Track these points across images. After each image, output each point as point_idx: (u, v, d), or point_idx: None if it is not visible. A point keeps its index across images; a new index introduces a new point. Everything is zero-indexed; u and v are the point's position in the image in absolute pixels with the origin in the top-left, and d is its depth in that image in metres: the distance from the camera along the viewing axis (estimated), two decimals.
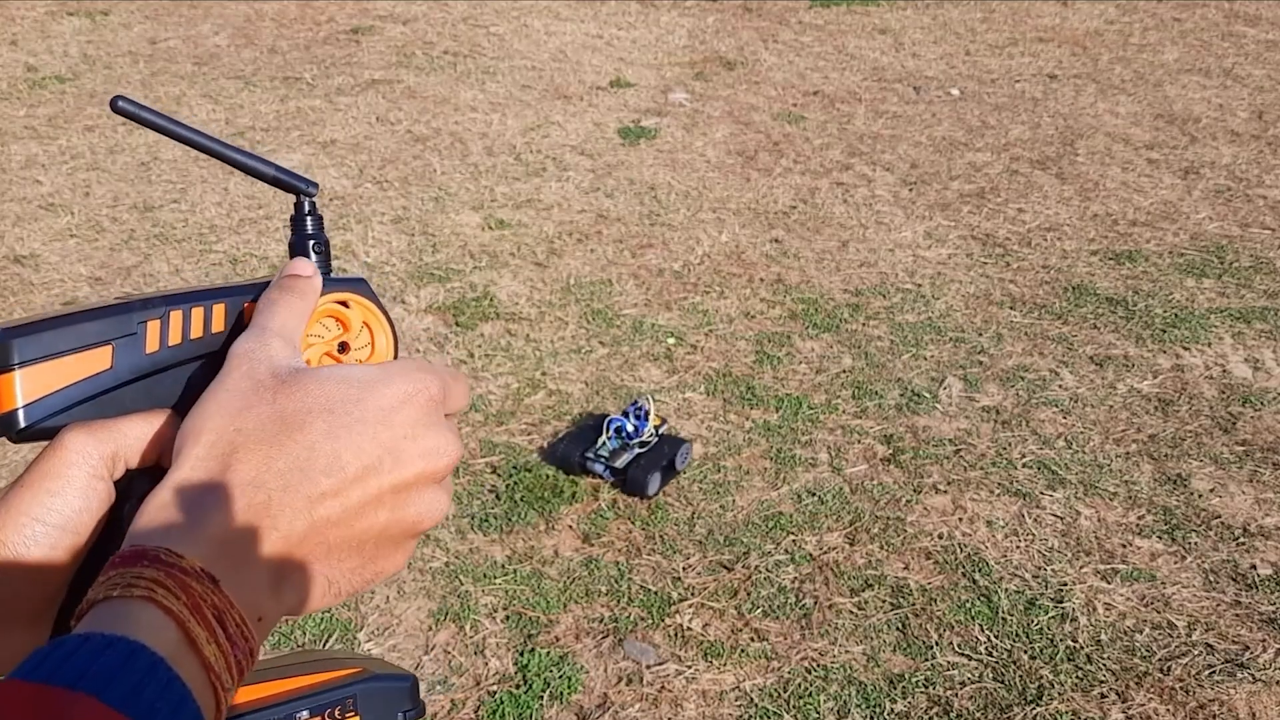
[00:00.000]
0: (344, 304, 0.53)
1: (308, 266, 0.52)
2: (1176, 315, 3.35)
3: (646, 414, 2.63)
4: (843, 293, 3.52)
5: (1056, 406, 2.91)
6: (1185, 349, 3.17)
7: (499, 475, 2.64)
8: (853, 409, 2.90)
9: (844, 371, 3.07)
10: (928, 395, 2.95)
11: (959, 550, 2.40)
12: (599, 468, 2.57)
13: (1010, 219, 4.04)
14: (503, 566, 2.37)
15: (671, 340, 3.23)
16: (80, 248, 3.82)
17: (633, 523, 2.50)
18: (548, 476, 2.62)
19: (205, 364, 0.50)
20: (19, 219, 4.01)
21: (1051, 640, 2.16)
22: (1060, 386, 3.00)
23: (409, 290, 3.52)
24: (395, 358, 0.54)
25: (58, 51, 5.93)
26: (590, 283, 3.57)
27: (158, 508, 0.41)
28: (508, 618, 2.24)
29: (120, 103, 0.49)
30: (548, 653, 2.15)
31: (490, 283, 3.57)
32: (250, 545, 0.41)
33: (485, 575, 2.35)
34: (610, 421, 2.62)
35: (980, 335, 3.25)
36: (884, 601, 2.26)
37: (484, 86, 5.45)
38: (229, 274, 3.63)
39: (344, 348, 0.53)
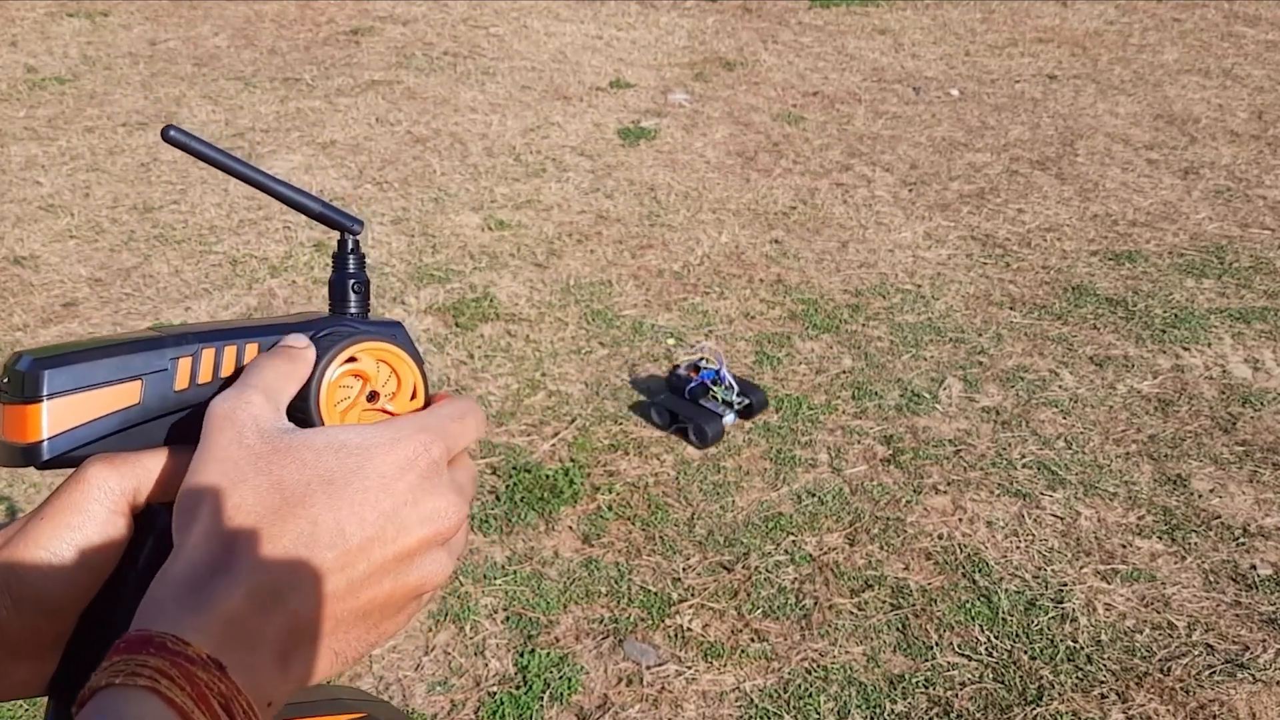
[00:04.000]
0: (353, 359, 0.51)
1: (301, 340, 0.51)
2: (1176, 315, 3.35)
3: (714, 368, 2.82)
4: (842, 293, 3.52)
5: (1056, 407, 2.91)
6: (1185, 349, 3.17)
7: (499, 476, 2.64)
8: (852, 409, 2.90)
9: (844, 372, 3.07)
10: (928, 395, 2.95)
11: (959, 551, 2.40)
12: (730, 418, 2.76)
13: (1010, 219, 4.04)
14: (502, 567, 2.37)
15: (671, 341, 3.23)
16: (80, 249, 3.82)
17: (632, 523, 2.50)
18: (547, 477, 2.62)
19: None
20: (19, 220, 4.01)
21: (1051, 640, 2.16)
22: (1060, 387, 3.00)
23: (409, 291, 3.52)
24: (426, 388, 0.53)
25: (57, 53, 5.93)
26: (590, 283, 3.57)
27: (165, 588, 0.41)
28: (508, 618, 2.24)
29: (171, 132, 0.49)
30: (548, 653, 2.15)
31: (490, 283, 3.57)
32: (257, 627, 0.41)
33: (485, 576, 2.35)
34: (703, 376, 2.77)
35: (980, 335, 3.25)
36: (884, 602, 2.26)
37: (484, 87, 5.45)
38: (229, 275, 3.63)
39: (373, 396, 0.52)
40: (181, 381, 0.48)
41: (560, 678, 2.09)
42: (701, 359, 2.83)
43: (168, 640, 0.38)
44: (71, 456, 0.46)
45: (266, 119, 5.00)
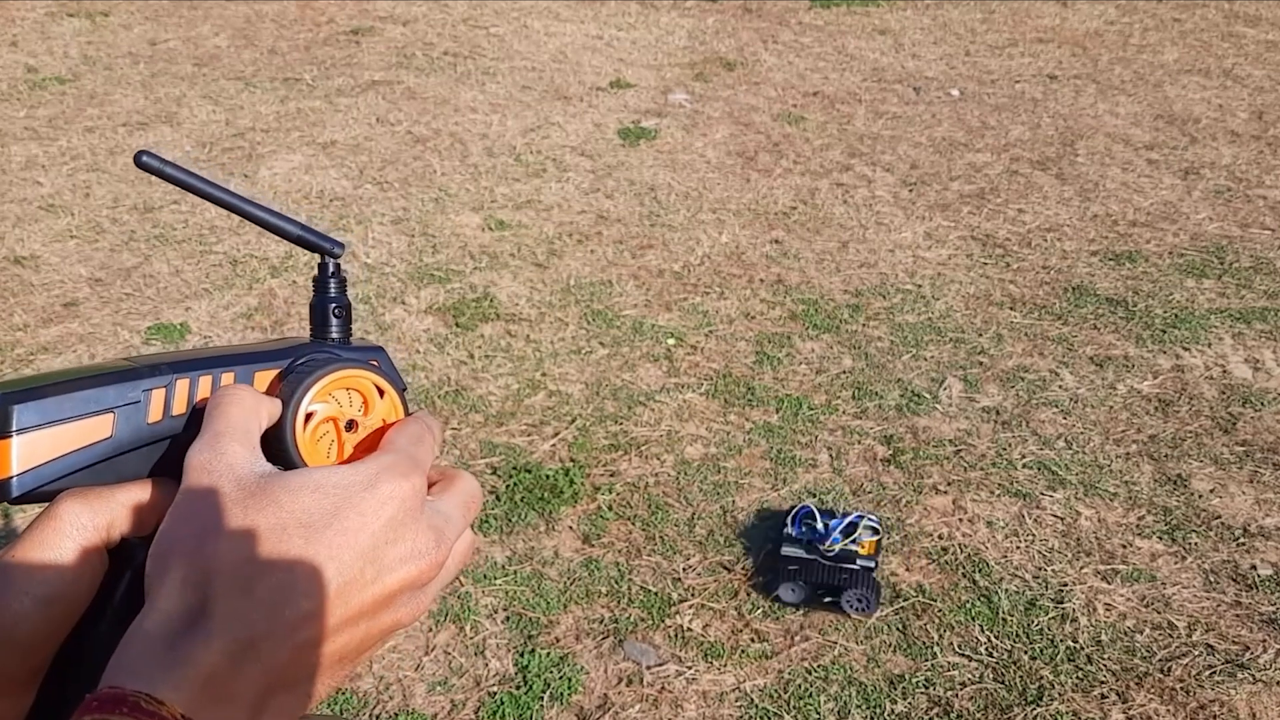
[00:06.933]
0: (380, 391, 0.51)
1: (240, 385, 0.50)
2: (1176, 316, 3.35)
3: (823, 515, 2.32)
4: (843, 293, 3.52)
5: (1056, 407, 2.91)
6: (1185, 349, 3.17)
7: (499, 476, 2.64)
8: (853, 409, 2.90)
9: (844, 372, 3.07)
10: (928, 396, 2.95)
11: (959, 551, 2.40)
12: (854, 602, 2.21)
13: (1010, 219, 4.04)
14: (503, 567, 2.37)
15: (671, 341, 3.23)
16: (80, 249, 3.82)
17: (633, 524, 2.50)
18: (547, 477, 2.62)
19: None
20: (19, 220, 4.01)
21: (1052, 641, 2.16)
22: (1060, 387, 3.00)
23: (409, 291, 3.52)
24: (405, 414, 0.53)
25: (58, 53, 5.93)
26: (590, 283, 3.57)
27: (138, 643, 0.40)
28: (508, 618, 2.24)
29: (144, 158, 0.48)
30: (548, 653, 2.15)
31: (490, 284, 3.57)
32: (232, 682, 0.40)
33: (485, 576, 2.35)
34: (835, 526, 2.26)
35: (980, 336, 3.25)
36: (884, 602, 2.26)
37: (484, 87, 5.45)
38: (229, 275, 3.63)
39: (352, 426, 0.51)
40: (155, 414, 0.47)
41: (560, 678, 2.09)
42: (821, 508, 2.33)
43: (141, 700, 0.37)
44: (42, 492, 0.45)
45: (266, 119, 5.00)
